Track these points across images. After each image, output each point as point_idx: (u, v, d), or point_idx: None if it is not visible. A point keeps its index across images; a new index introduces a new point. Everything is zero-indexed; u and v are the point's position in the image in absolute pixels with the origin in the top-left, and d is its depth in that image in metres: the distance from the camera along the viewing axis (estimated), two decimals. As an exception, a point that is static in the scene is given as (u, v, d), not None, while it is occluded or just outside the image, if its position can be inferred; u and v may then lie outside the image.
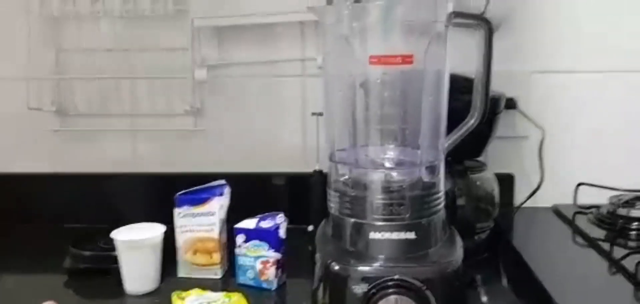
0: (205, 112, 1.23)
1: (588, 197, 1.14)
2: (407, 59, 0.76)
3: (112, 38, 1.20)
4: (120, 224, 0.97)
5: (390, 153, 0.83)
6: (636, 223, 1.00)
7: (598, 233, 1.01)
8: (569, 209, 1.12)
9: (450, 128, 0.83)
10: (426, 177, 0.80)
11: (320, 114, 1.08)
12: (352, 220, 0.79)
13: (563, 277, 0.86)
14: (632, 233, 0.99)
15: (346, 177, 0.83)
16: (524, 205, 1.16)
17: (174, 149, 1.24)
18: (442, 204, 0.81)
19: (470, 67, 0.82)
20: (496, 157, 1.12)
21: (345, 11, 0.79)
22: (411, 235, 0.76)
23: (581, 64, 1.16)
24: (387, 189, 0.79)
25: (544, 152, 1.14)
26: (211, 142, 1.23)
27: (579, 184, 1.14)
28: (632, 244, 0.97)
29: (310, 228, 1.03)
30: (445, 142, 0.82)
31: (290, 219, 1.00)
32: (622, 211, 1.03)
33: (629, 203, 1.04)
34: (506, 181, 1.15)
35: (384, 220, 0.77)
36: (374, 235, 0.77)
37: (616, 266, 0.87)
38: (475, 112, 0.82)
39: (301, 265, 0.94)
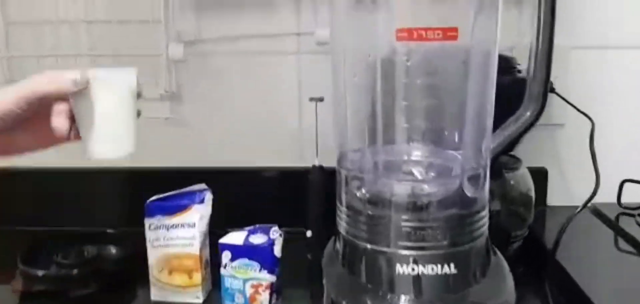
0: (182, 97, 1.04)
1: (633, 195, 0.97)
2: (450, 33, 0.57)
3: (70, 8, 1.00)
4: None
5: (420, 156, 0.64)
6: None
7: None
8: (612, 209, 0.96)
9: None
10: (468, 190, 0.62)
11: (320, 100, 0.92)
12: (369, 247, 0.61)
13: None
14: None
15: (362, 189, 0.65)
16: (555, 204, 1.00)
17: (144, 140, 1.04)
18: (487, 225, 0.63)
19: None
20: (524, 149, 0.95)
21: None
22: (450, 268, 0.59)
23: (628, 39, 0.98)
24: (416, 207, 0.61)
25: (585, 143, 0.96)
26: (189, 132, 1.05)
27: (624, 181, 0.97)
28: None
29: (309, 233, 0.90)
30: (492, 143, 0.64)
31: (285, 222, 0.85)
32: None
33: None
34: (539, 178, 0.97)
35: (413, 248, 0.59)
36: (400, 269, 0.59)
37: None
38: (532, 104, 0.64)
39: (298, 280, 0.80)
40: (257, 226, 0.80)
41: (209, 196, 0.82)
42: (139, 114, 0.69)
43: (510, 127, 0.66)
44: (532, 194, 0.88)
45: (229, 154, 1.04)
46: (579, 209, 0.88)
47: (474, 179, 0.62)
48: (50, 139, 0.66)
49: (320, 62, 0.95)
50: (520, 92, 0.74)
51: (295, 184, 0.94)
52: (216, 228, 0.82)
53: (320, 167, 0.91)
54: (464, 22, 0.59)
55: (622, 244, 0.88)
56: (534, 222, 0.90)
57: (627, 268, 0.82)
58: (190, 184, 0.85)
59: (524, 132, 0.67)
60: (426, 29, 0.57)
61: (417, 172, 0.64)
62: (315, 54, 1.00)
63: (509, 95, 0.69)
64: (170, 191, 0.83)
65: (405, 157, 0.65)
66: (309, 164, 0.91)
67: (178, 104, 1.04)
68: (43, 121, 0.63)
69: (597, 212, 0.97)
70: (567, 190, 1.01)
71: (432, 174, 0.64)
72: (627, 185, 0.98)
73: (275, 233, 0.78)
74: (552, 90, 0.96)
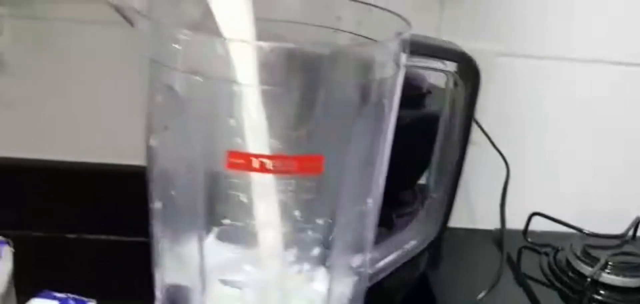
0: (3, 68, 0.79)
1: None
2: (312, 165, 0.39)
3: None
4: None
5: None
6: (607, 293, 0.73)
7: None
8: (515, 240, 0.84)
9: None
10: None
11: None
12: None
13: None
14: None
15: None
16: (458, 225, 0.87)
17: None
18: None
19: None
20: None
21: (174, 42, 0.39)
22: None
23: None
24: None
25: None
26: (14, 115, 0.81)
27: (533, 215, 0.84)
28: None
29: None
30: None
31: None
32: (587, 270, 0.75)
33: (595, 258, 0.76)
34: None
35: None
36: None
37: None
38: (431, 223, 0.48)
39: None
40: (70, 296, 0.62)
41: (6, 250, 0.62)
42: None
43: (403, 245, 0.50)
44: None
45: (65, 144, 0.83)
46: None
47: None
48: None
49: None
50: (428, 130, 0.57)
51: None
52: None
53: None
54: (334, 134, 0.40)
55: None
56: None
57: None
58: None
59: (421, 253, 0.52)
60: (276, 157, 0.38)
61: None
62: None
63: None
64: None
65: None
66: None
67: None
68: None
69: (499, 243, 0.84)
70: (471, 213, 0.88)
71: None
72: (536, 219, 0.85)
73: (92, 309, 0.60)
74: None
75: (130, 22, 0.43)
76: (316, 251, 0.46)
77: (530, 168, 0.86)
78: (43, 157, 0.82)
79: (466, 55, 0.49)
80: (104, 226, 0.82)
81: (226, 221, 0.44)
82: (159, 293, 0.51)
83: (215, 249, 0.45)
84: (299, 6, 0.50)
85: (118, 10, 0.43)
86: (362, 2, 0.50)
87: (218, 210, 0.44)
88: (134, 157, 0.62)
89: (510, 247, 0.82)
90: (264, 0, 0.44)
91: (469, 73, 0.49)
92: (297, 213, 0.43)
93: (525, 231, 0.85)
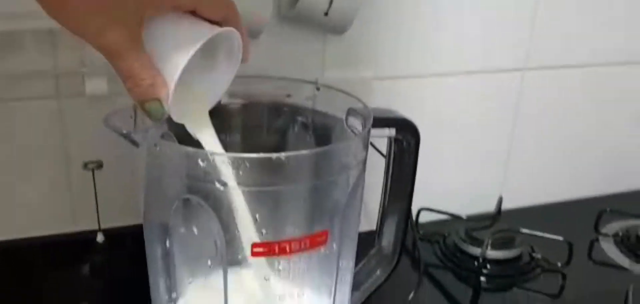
0: None
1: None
2: (321, 239, 0.46)
3: None
4: None
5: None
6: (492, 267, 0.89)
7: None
8: (408, 234, 0.96)
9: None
10: None
11: (99, 167, 0.75)
12: None
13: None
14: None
15: None
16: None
17: None
18: None
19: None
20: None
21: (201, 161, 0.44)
22: None
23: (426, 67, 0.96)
24: None
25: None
26: None
27: (421, 210, 0.98)
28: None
29: None
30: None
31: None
32: (475, 251, 0.90)
33: (477, 239, 0.91)
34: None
35: None
36: None
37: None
38: (383, 263, 0.57)
39: None
40: None
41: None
42: None
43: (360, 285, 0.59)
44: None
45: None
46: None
47: None
48: None
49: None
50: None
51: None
52: None
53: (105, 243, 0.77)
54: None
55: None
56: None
57: None
58: None
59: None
60: (290, 241, 0.45)
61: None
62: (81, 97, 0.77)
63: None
64: None
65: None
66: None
67: None
68: None
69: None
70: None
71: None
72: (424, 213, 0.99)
73: None
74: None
75: (135, 144, 0.46)
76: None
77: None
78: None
79: (407, 120, 0.58)
80: None
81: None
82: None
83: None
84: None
85: (123, 135, 0.45)
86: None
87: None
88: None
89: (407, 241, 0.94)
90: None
91: (411, 133, 0.58)
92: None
93: (415, 225, 0.97)
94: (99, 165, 0.76)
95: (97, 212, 0.77)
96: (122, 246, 0.80)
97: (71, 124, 0.78)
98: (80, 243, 0.81)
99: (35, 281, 0.81)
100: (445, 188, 1.00)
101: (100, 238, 0.79)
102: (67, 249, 0.82)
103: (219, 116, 0.58)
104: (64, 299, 0.81)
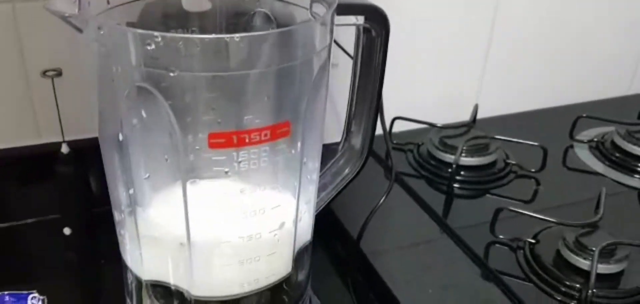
0: None
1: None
2: (282, 131, 0.44)
3: None
4: None
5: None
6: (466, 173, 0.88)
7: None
8: (381, 143, 0.95)
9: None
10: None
11: (58, 75, 0.72)
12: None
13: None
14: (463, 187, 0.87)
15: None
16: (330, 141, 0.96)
17: None
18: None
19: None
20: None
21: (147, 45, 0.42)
22: None
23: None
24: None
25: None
26: None
27: (395, 119, 0.96)
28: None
29: (67, 230, 0.78)
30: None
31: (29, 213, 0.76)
32: (449, 158, 0.89)
33: (451, 146, 0.90)
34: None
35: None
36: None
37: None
38: (353, 159, 0.55)
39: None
40: (6, 294, 0.61)
41: None
42: None
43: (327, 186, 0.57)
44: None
45: None
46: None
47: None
48: None
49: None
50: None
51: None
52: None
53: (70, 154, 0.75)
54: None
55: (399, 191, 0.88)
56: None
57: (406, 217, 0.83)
58: None
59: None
60: (249, 131, 0.43)
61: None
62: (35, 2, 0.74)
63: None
64: None
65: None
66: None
67: None
68: None
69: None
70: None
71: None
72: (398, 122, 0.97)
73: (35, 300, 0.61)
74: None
75: (79, 29, 0.43)
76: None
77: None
78: None
79: (376, 6, 0.56)
80: None
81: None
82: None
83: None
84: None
85: (65, 19, 0.42)
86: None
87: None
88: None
89: (379, 149, 0.93)
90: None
91: (380, 21, 0.56)
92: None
93: (389, 134, 0.96)
94: (58, 73, 0.73)
95: (60, 122, 0.74)
96: (87, 157, 0.77)
97: (26, 30, 0.75)
98: (44, 155, 0.78)
99: (1, 195, 0.79)
100: (420, 97, 0.99)
101: (64, 148, 0.76)
102: (32, 161, 0.80)
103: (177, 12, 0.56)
104: (32, 211, 0.80)
